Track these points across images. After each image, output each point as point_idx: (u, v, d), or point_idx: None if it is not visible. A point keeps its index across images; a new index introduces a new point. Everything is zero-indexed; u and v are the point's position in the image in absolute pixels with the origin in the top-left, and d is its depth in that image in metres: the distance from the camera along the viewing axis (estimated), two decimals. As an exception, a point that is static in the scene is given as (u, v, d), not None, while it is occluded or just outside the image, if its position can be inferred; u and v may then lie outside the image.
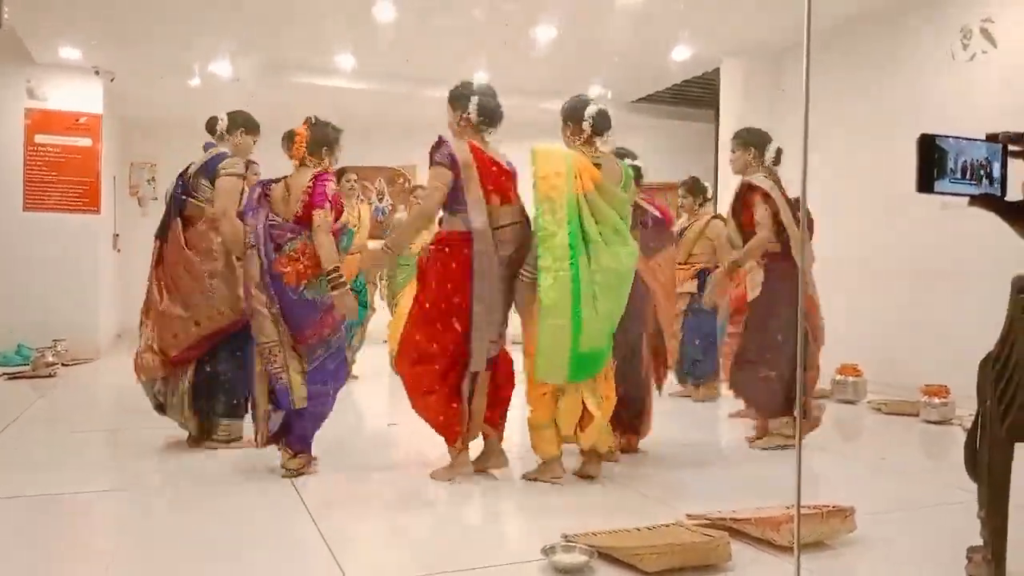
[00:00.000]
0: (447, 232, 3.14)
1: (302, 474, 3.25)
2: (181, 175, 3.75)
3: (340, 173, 5.51)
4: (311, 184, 3.15)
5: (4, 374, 5.93)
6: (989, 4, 5.07)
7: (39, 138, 6.97)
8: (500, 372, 3.31)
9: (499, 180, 3.15)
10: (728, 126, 6.99)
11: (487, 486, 3.25)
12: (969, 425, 2.07)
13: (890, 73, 5.75)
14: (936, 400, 4.63)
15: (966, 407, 4.45)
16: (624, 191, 3.17)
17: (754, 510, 2.59)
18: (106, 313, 7.71)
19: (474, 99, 3.15)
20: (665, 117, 8.86)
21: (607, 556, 2.27)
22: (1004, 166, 1.24)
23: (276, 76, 7.13)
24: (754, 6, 5.77)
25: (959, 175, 1.20)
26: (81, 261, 7.11)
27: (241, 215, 3.42)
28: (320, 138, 3.29)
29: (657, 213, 3.73)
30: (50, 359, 6.21)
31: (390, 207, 9.53)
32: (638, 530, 2.43)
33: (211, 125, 3.82)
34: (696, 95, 8.43)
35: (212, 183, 3.62)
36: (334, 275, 3.12)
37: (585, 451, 3.23)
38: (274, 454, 3.36)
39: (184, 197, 3.69)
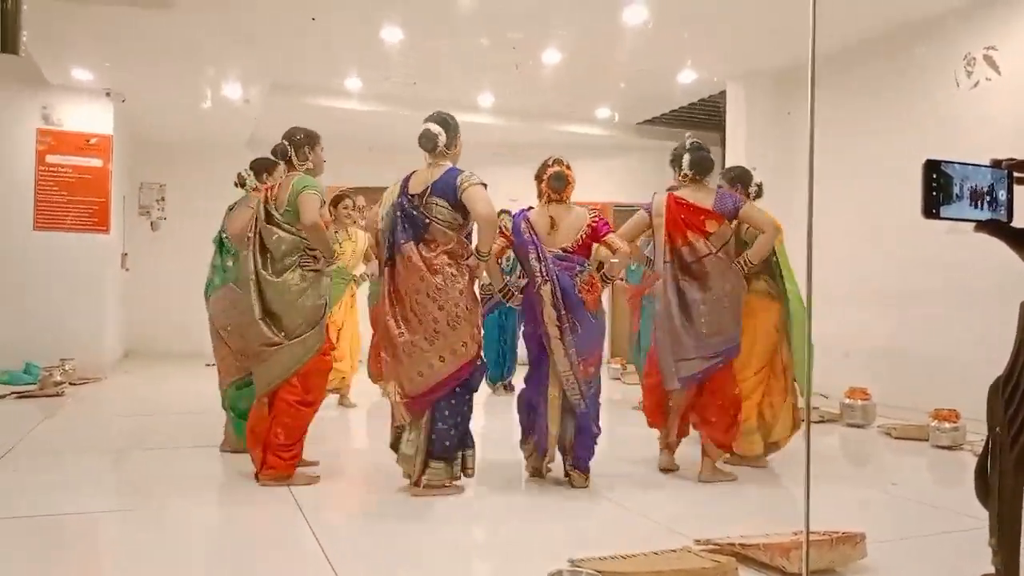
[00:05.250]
0: None
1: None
2: (403, 193, 3.32)
3: (338, 200, 5.49)
4: (595, 220, 3.52)
5: (13, 393, 5.93)
6: (992, 32, 5.10)
7: (51, 158, 7.05)
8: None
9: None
10: (734, 148, 7.03)
11: (493, 508, 3.24)
12: (979, 450, 2.05)
13: (895, 99, 5.77)
14: (946, 425, 4.59)
15: (977, 432, 4.41)
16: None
17: (763, 535, 2.56)
18: (113, 332, 7.74)
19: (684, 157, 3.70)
20: (671, 139, 8.91)
21: (614, 581, 2.25)
22: (1010, 192, 1.24)
23: (284, 98, 7.19)
24: (759, 32, 5.82)
25: (965, 200, 1.20)
26: (90, 280, 7.15)
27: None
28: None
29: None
30: (58, 378, 6.22)
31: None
32: (645, 555, 2.41)
33: (430, 142, 3.34)
34: (702, 118, 8.48)
35: (448, 201, 3.24)
36: (608, 283, 3.56)
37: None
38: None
39: (427, 220, 3.25)
